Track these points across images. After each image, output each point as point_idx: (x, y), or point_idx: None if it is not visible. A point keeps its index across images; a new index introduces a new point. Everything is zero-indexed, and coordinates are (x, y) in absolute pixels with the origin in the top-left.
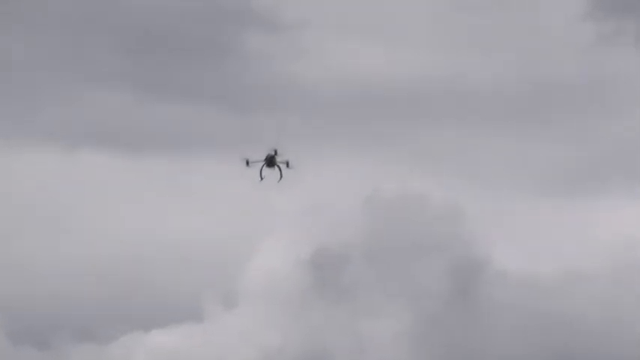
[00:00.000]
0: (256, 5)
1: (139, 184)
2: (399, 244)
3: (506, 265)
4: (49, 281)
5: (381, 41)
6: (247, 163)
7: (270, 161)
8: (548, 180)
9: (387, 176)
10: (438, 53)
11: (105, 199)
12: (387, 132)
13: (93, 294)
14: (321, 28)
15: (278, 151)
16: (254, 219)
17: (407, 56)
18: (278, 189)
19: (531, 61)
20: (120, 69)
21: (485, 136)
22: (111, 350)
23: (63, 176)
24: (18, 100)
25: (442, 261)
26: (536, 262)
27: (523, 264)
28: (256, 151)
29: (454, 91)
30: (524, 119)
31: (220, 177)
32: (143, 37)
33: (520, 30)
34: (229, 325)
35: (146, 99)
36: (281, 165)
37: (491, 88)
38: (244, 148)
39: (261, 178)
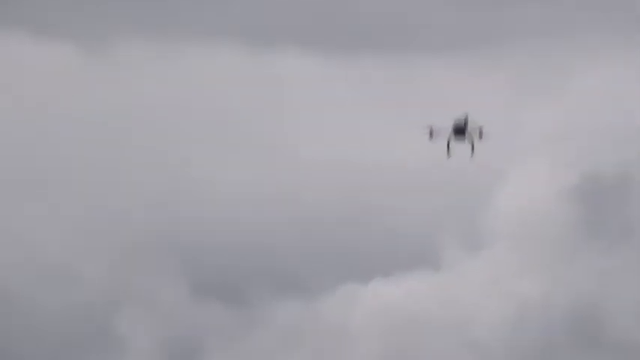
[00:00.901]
0: None
1: (350, 93)
2: None
3: None
4: (230, 215)
5: None
6: (431, 134)
7: (460, 131)
8: None
9: None
10: None
11: (306, 111)
12: None
13: (293, 236)
14: None
15: (468, 118)
16: (501, 139)
17: None
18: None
19: None
20: None
21: None
22: (320, 306)
23: (249, 85)
24: None
25: None
26: None
27: None
28: None
29: None
30: None
31: (458, 82)
32: None
33: None
34: (472, 273)
35: None
36: (473, 134)
37: None
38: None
39: (449, 155)
